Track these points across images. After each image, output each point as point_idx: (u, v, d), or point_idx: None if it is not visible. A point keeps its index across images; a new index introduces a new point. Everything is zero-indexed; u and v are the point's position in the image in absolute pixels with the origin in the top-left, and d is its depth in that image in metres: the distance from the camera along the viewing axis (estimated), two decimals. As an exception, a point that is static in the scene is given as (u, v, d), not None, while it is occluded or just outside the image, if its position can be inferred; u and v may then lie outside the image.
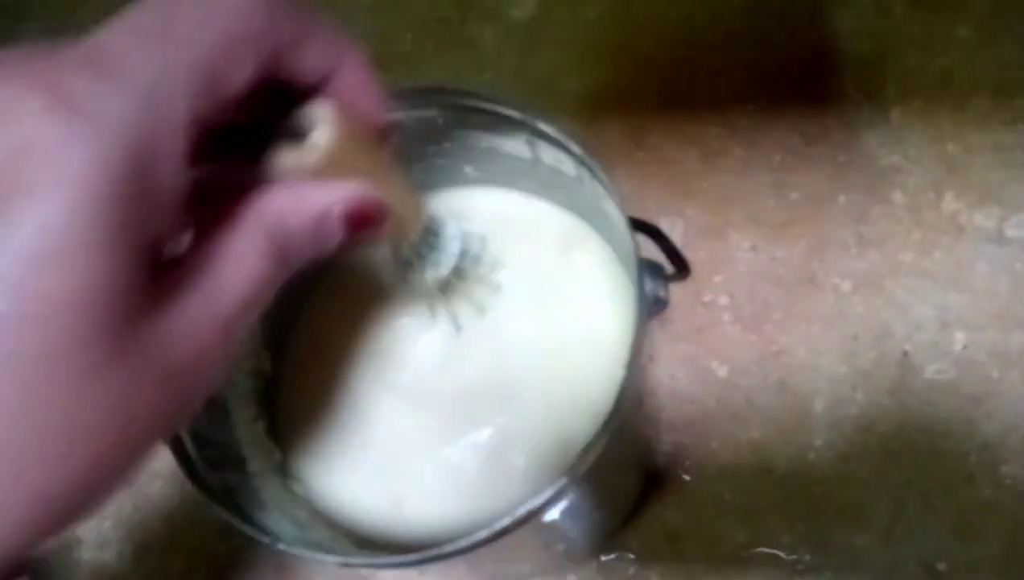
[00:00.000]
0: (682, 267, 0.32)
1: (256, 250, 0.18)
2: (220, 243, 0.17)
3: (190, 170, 0.17)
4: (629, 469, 0.40)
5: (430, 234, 0.26)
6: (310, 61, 0.18)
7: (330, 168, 0.19)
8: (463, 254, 0.27)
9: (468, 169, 0.36)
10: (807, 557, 0.40)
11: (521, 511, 0.24)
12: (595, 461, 0.26)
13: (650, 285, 0.30)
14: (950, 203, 0.46)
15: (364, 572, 0.42)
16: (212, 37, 0.16)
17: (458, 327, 0.31)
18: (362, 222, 0.20)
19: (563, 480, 0.25)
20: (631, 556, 0.42)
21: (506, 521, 0.24)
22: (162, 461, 0.49)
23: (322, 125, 0.19)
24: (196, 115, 0.16)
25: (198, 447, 0.28)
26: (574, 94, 0.53)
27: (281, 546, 0.24)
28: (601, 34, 0.55)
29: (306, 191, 0.19)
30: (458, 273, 0.27)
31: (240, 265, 0.17)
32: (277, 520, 0.29)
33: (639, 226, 0.32)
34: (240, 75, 0.17)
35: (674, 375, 0.45)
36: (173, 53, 0.16)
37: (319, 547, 0.28)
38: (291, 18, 0.18)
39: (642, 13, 0.55)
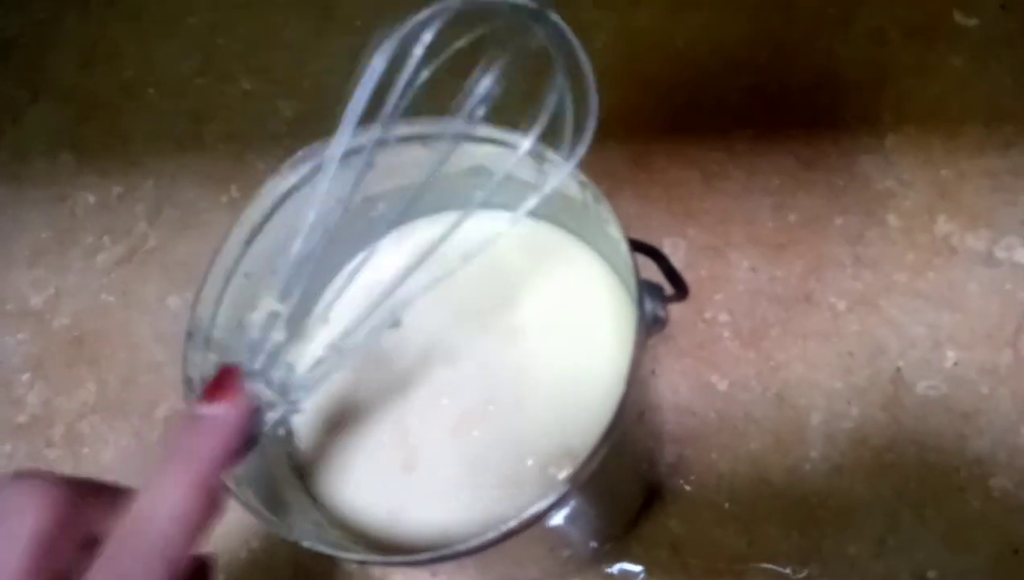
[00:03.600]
0: (681, 288, 0.34)
1: None
2: None
3: None
4: (632, 479, 0.41)
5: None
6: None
7: None
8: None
9: (479, 194, 0.39)
10: (802, 565, 0.42)
11: (527, 514, 0.26)
12: (597, 469, 0.28)
13: (650, 305, 0.32)
14: (943, 226, 0.48)
15: (377, 573, 0.44)
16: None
17: None
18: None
19: (566, 486, 0.27)
20: (634, 563, 0.43)
21: (513, 523, 0.26)
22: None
23: None
24: None
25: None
26: (582, 119, 0.56)
27: (306, 543, 0.26)
28: (607, 61, 0.57)
29: None
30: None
31: None
32: (299, 522, 0.31)
33: (641, 248, 0.34)
34: None
35: (677, 389, 0.47)
36: None
37: (337, 547, 0.29)
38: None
39: (647, 41, 0.57)
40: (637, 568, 0.43)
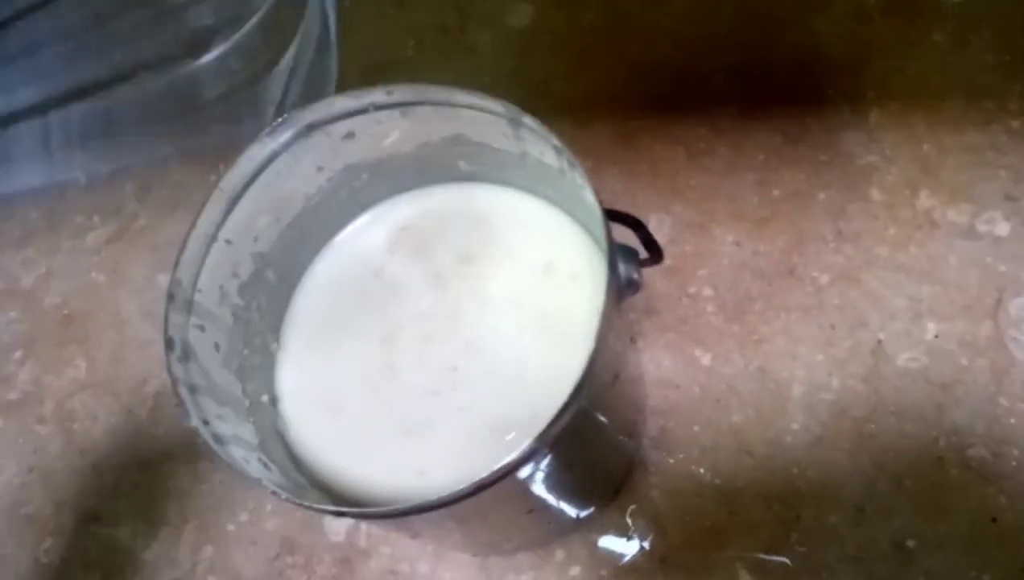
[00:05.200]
0: (655, 252, 0.34)
1: None
2: None
3: None
4: (612, 448, 0.42)
5: None
6: None
7: None
8: None
9: (461, 164, 0.39)
10: (782, 535, 0.42)
11: (497, 466, 0.27)
12: (570, 431, 0.28)
13: (624, 268, 0.32)
14: (924, 200, 0.48)
15: (364, 545, 0.44)
16: None
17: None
18: None
19: (535, 441, 0.27)
20: (616, 534, 0.44)
21: (485, 475, 0.27)
22: (175, 444, 0.52)
23: None
24: None
25: (216, 422, 0.31)
26: (567, 97, 0.56)
27: (286, 497, 0.27)
28: (593, 40, 0.58)
29: None
30: None
31: None
32: (283, 483, 0.32)
33: (617, 216, 0.34)
34: None
35: (660, 363, 0.47)
36: None
37: (317, 502, 0.30)
38: None
39: (633, 21, 0.58)
40: (619, 539, 0.44)
